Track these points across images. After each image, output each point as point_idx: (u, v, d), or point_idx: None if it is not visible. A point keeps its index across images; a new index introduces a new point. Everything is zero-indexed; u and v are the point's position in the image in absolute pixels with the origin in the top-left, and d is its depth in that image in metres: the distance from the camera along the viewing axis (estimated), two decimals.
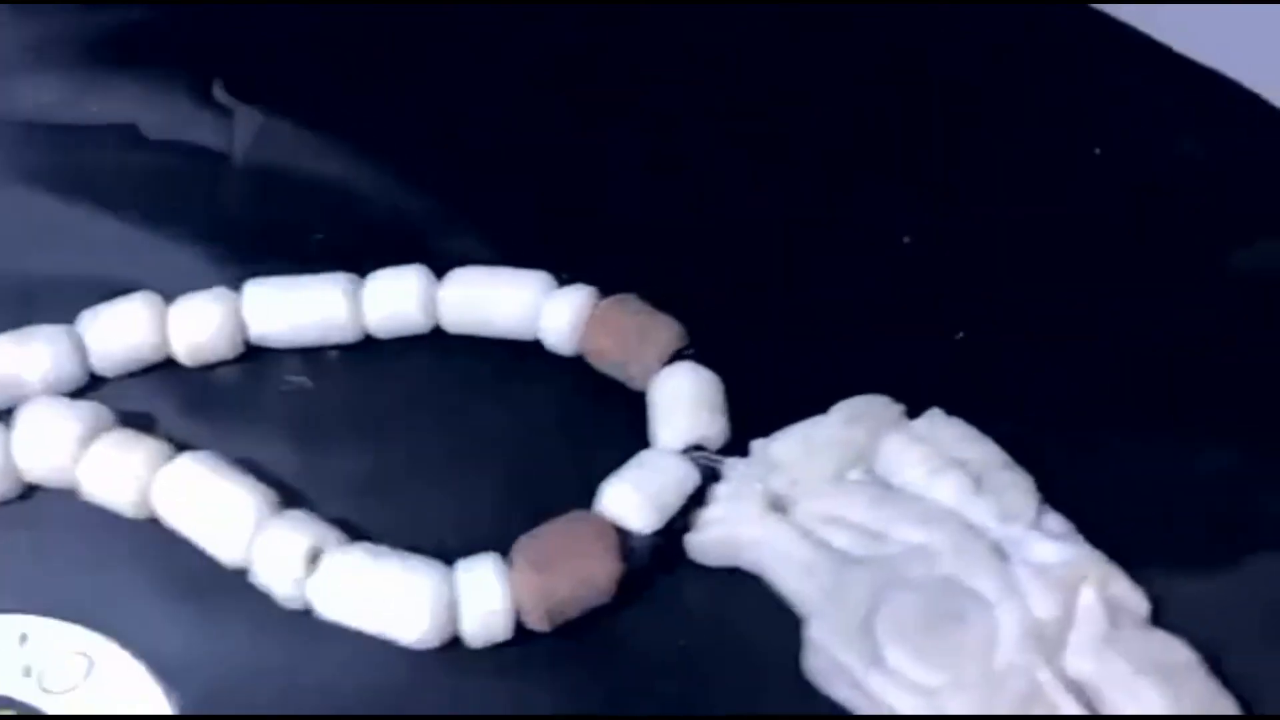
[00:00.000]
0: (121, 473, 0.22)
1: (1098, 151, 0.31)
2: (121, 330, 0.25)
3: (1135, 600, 0.21)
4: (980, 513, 0.22)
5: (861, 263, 0.28)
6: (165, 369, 0.26)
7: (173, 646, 0.21)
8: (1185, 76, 0.32)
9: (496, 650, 0.21)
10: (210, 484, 0.22)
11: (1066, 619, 0.20)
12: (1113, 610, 0.20)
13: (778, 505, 0.22)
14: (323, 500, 0.23)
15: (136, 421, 0.24)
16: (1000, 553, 0.21)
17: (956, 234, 0.29)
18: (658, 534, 0.22)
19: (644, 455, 0.23)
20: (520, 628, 0.21)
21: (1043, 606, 0.20)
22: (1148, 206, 0.29)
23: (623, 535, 0.21)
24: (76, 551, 0.23)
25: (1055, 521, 0.22)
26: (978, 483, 0.22)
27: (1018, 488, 0.22)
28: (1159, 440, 0.24)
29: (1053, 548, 0.21)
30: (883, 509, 0.21)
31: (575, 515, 0.21)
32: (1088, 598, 0.20)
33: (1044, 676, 0.19)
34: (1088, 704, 0.19)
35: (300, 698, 0.20)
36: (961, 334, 0.27)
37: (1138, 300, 0.27)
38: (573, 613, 0.21)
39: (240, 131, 0.31)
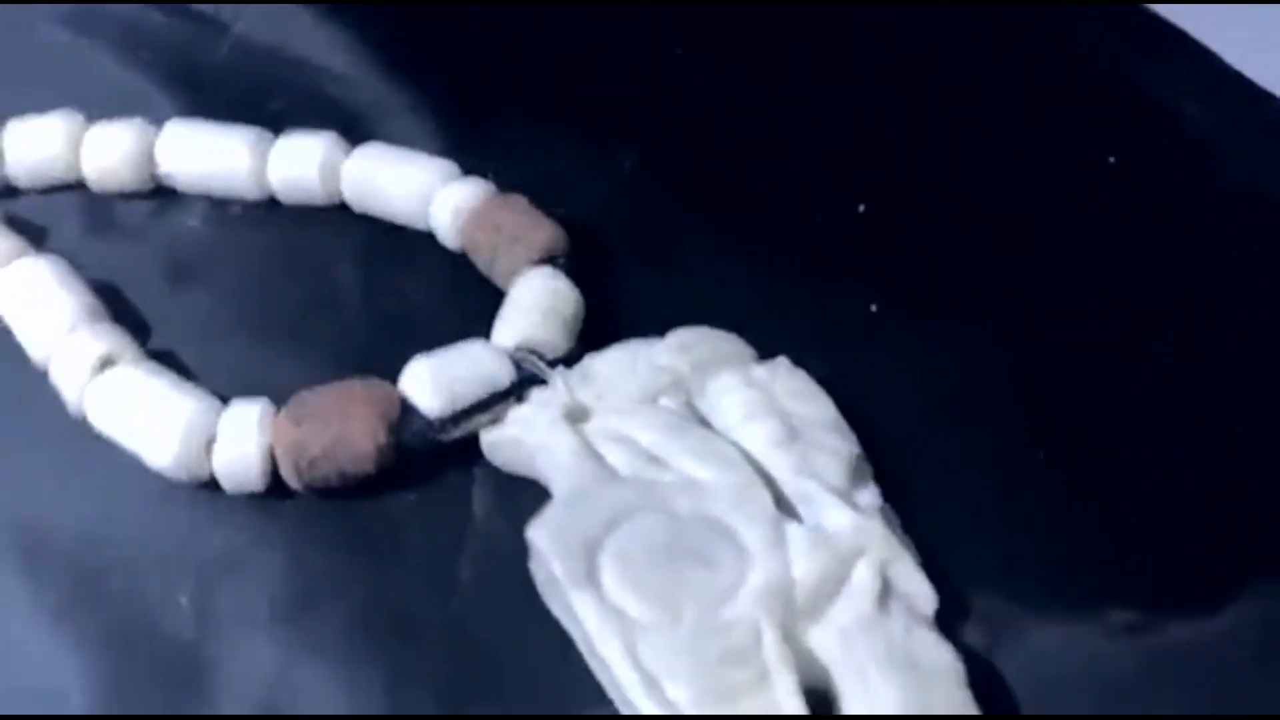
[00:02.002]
0: None
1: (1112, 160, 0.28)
2: (39, 143, 0.25)
3: (921, 592, 0.18)
4: (783, 466, 0.19)
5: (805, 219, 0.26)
6: (77, 192, 0.27)
7: None
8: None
9: (253, 501, 0.20)
10: (44, 287, 0.22)
11: (829, 590, 0.18)
12: (891, 596, 0.18)
13: (577, 417, 0.21)
14: (167, 338, 0.23)
15: (28, 230, 0.25)
16: (788, 509, 0.19)
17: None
18: (449, 422, 0.21)
19: (464, 344, 0.22)
20: (282, 487, 0.20)
21: (804, 569, 0.18)
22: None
23: (405, 411, 0.21)
24: None
25: (870, 497, 0.19)
26: (794, 436, 0.20)
27: (834, 451, 0.20)
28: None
29: (846, 516, 0.18)
30: (675, 439, 0.20)
31: (357, 380, 0.21)
32: (861, 574, 0.18)
33: (768, 639, 0.17)
34: (816, 683, 0.17)
35: (56, 511, 0.21)
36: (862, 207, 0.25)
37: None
38: (330, 475, 0.20)
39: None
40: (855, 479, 0.19)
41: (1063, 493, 0.21)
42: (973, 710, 0.17)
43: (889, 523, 0.19)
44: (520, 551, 0.19)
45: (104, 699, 0.18)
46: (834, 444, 0.20)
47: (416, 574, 0.20)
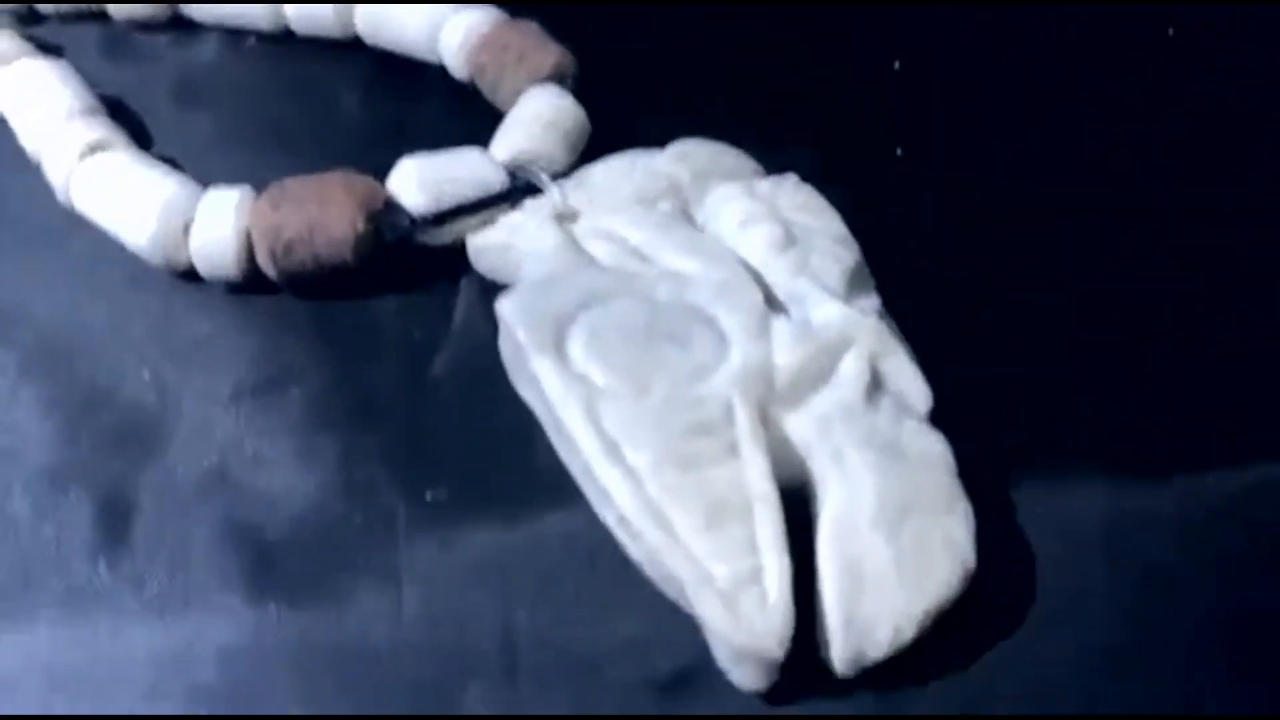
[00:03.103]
0: None
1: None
2: None
3: (915, 389, 0.17)
4: (779, 269, 0.18)
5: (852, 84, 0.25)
6: (99, 20, 0.26)
7: None
8: None
9: (229, 291, 0.20)
10: (45, 83, 0.22)
11: (811, 378, 0.17)
12: (882, 392, 0.17)
13: (567, 219, 0.20)
14: (167, 152, 0.23)
15: (46, 49, 0.25)
16: (776, 305, 0.18)
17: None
18: (433, 220, 0.20)
19: (459, 150, 0.21)
20: (260, 278, 0.20)
21: (786, 356, 0.17)
22: None
23: (388, 206, 0.20)
24: None
25: (869, 304, 0.18)
26: (793, 242, 0.19)
27: (835, 256, 0.18)
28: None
29: (836, 309, 0.17)
30: (664, 236, 0.18)
31: (340, 171, 0.20)
32: (849, 365, 0.17)
33: (741, 415, 0.16)
34: (789, 466, 0.16)
35: (31, 292, 0.20)
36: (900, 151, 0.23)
37: None
38: (306, 261, 0.19)
39: None
40: (854, 286, 0.18)
41: (1077, 348, 0.20)
42: (961, 502, 0.15)
43: (885, 323, 0.18)
44: (498, 358, 0.19)
45: (65, 455, 0.17)
46: (835, 250, 0.18)
47: (387, 368, 0.19)
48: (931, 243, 0.20)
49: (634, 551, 0.16)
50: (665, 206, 0.19)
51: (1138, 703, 0.15)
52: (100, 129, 0.21)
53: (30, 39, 0.25)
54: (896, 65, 0.26)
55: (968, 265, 0.20)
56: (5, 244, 0.21)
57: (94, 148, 0.21)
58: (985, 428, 0.17)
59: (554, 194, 0.20)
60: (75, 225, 0.21)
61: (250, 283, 0.20)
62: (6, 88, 0.22)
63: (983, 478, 0.16)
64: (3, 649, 0.16)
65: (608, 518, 0.16)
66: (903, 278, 0.19)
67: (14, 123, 0.22)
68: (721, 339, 0.17)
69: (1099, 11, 0.27)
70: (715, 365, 0.16)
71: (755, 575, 0.14)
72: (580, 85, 0.23)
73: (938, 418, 0.17)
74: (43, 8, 0.26)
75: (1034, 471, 0.17)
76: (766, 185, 0.20)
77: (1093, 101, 0.24)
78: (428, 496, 0.17)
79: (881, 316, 0.18)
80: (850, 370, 0.16)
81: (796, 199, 0.19)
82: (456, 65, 0.24)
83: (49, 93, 0.22)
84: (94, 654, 0.15)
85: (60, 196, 0.21)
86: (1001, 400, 0.18)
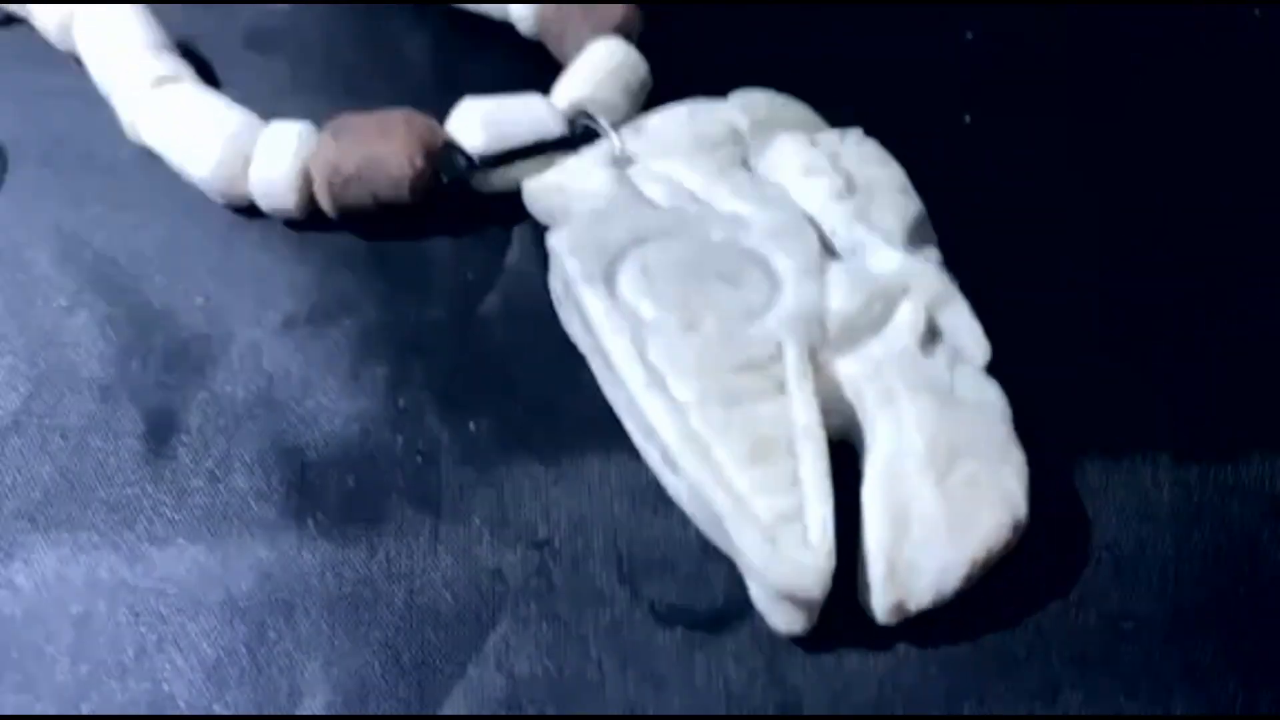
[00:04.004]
0: (58, 6, 0.23)
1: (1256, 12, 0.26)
2: None
3: (973, 339, 0.16)
4: (838, 217, 0.18)
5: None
6: None
7: None
8: None
9: (288, 226, 0.20)
10: (118, 20, 0.22)
11: (865, 323, 0.16)
12: (938, 341, 0.16)
13: (624, 164, 0.19)
14: (235, 95, 0.23)
15: None
16: (831, 251, 0.17)
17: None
18: (490, 160, 0.20)
19: (520, 95, 0.21)
20: (319, 215, 0.20)
21: (842, 299, 0.16)
22: None
23: (447, 145, 0.20)
24: None
25: (929, 254, 0.18)
26: (853, 191, 0.18)
27: (895, 206, 0.18)
28: None
29: (895, 257, 0.17)
30: (721, 180, 0.18)
31: (402, 109, 0.20)
32: (905, 312, 0.16)
33: (790, 354, 0.15)
34: (838, 413, 0.15)
35: (92, 221, 0.20)
36: (968, 118, 0.23)
37: None
38: (363, 196, 0.19)
39: None
40: (914, 236, 0.18)
41: (1145, 315, 0.19)
42: (1016, 450, 0.15)
43: (944, 275, 0.17)
44: (548, 301, 0.19)
45: (117, 371, 0.18)
46: (897, 201, 0.18)
47: (438, 304, 0.19)
48: (996, 206, 0.20)
49: (675, 487, 0.15)
50: (724, 153, 0.19)
51: (1179, 671, 0.15)
52: (169, 64, 0.21)
53: None
54: (969, 35, 0.25)
55: (1031, 229, 0.20)
56: (74, 174, 0.22)
57: (162, 80, 0.21)
58: (1046, 385, 0.16)
59: (612, 139, 0.20)
60: (142, 159, 0.21)
61: (308, 218, 0.20)
62: (83, 26, 0.23)
63: (1040, 432, 0.16)
64: (49, 553, 0.16)
65: (650, 453, 0.16)
66: (965, 236, 0.18)
67: (87, 59, 0.22)
68: (774, 280, 0.16)
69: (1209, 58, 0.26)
70: (767, 306, 0.16)
71: (797, 512, 0.14)
72: (645, 40, 0.23)
73: (996, 372, 0.16)
74: None
75: (1094, 431, 0.16)
76: (830, 136, 0.19)
77: (1168, 81, 0.24)
78: (471, 427, 0.17)
79: (941, 267, 0.17)
80: (906, 317, 0.16)
81: (860, 151, 0.19)
82: (524, 20, 0.24)
83: (122, 30, 0.22)
84: (135, 562, 0.16)
85: (128, 130, 0.21)
86: (1063, 359, 0.17)
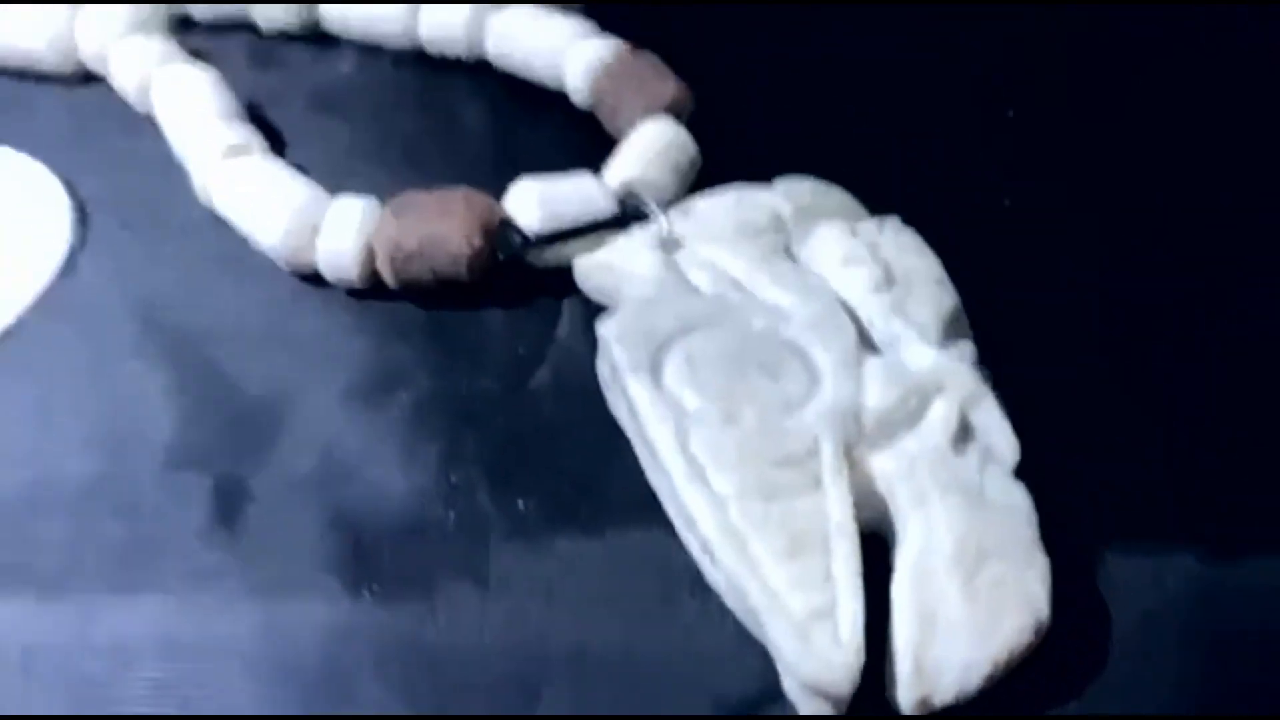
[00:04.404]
0: (138, 66, 0.24)
1: None
2: None
3: (1003, 440, 0.17)
4: (876, 308, 0.18)
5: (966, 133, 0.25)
6: (247, 30, 0.28)
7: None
8: None
9: (350, 295, 0.21)
10: (193, 86, 0.24)
11: (900, 419, 0.17)
12: (969, 440, 0.17)
13: (670, 247, 0.20)
14: (299, 157, 0.24)
15: (200, 56, 0.27)
16: (870, 345, 0.18)
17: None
18: (544, 239, 0.21)
19: (573, 174, 0.22)
20: (379, 284, 0.21)
21: (876, 395, 0.17)
22: None
23: (503, 223, 0.21)
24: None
25: (964, 350, 0.18)
26: (892, 283, 0.19)
27: (932, 300, 0.19)
28: None
29: (929, 353, 0.18)
30: (763, 269, 0.19)
31: (461, 188, 0.21)
32: (938, 410, 0.17)
33: (827, 450, 0.16)
34: (871, 507, 0.16)
35: (170, 283, 0.22)
36: (1008, 201, 0.23)
37: None
38: (423, 272, 0.20)
39: None
40: (950, 331, 0.18)
41: (1175, 417, 0.19)
42: (1040, 555, 0.15)
43: (979, 373, 0.18)
44: (595, 376, 0.19)
45: (182, 437, 0.19)
46: (933, 294, 0.19)
47: (490, 375, 0.20)
48: (1032, 296, 0.21)
49: (713, 576, 0.16)
50: (767, 240, 0.20)
51: None
52: (241, 133, 0.22)
53: (183, 45, 0.27)
54: (1010, 113, 0.26)
55: (1067, 322, 0.20)
56: (150, 235, 0.23)
57: (235, 151, 0.22)
58: (1071, 486, 0.17)
59: (660, 221, 0.21)
60: (213, 222, 0.22)
61: (369, 287, 0.21)
62: (160, 90, 0.24)
63: (1064, 535, 0.16)
64: (120, 615, 0.17)
65: (690, 540, 0.16)
66: (1000, 328, 0.19)
67: (164, 124, 0.24)
68: (813, 373, 0.17)
69: (1226, 65, 0.26)
70: (805, 399, 0.17)
71: (829, 609, 0.15)
72: (695, 119, 0.24)
73: (1024, 471, 0.17)
74: (196, 13, 0.28)
75: (1118, 534, 0.17)
76: (870, 226, 0.20)
77: (1221, 158, 0.24)
78: (519, 505, 0.18)
79: (975, 365, 0.18)
80: (939, 415, 0.17)
81: (899, 241, 0.20)
82: (578, 92, 0.25)
83: (197, 97, 0.23)
84: (201, 627, 0.16)
85: (200, 195, 0.22)
86: (1091, 460, 0.18)
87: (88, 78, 0.26)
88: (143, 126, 0.25)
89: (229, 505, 0.18)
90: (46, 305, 0.21)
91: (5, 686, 0.16)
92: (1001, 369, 0.18)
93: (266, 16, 0.27)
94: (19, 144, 0.25)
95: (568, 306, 0.21)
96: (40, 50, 0.25)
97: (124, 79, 0.25)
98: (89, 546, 0.17)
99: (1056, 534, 0.16)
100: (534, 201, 0.21)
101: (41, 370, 0.20)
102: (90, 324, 0.21)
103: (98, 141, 0.25)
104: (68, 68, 0.26)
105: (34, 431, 0.19)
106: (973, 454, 0.16)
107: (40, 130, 0.25)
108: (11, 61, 0.26)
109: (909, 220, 0.21)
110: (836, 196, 0.21)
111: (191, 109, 0.23)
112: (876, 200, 0.21)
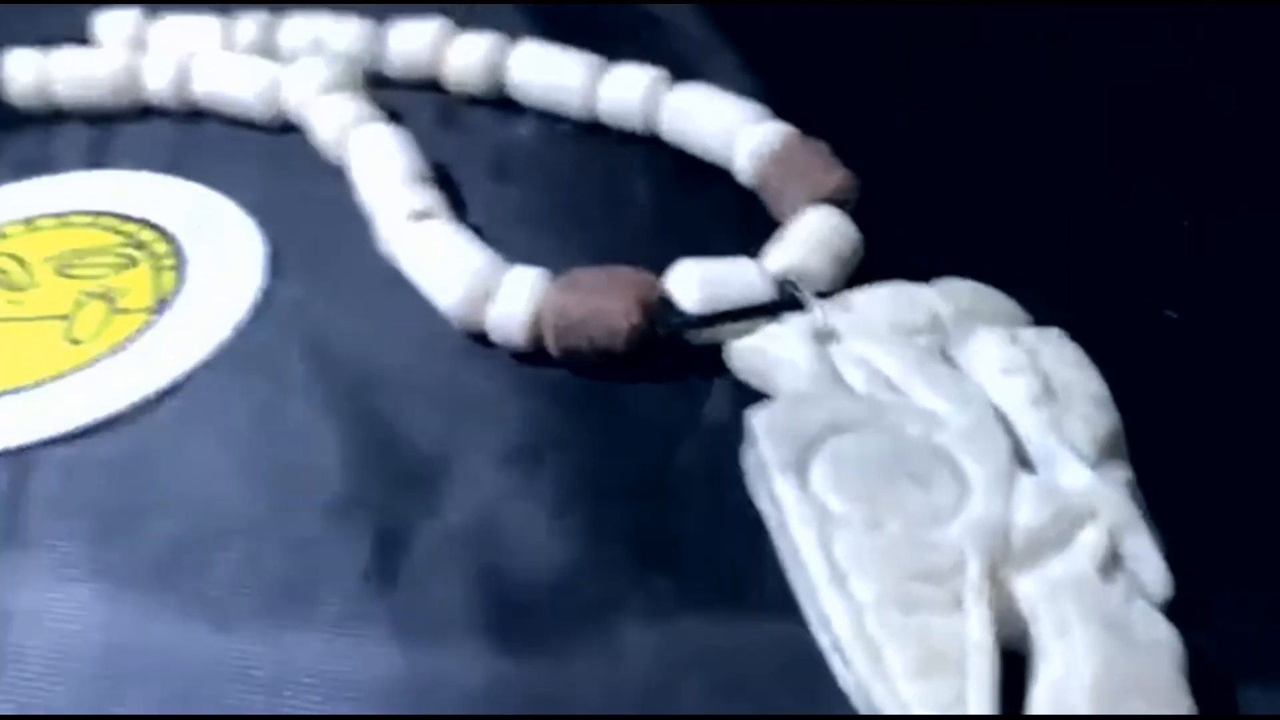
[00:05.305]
0: (335, 122, 0.26)
1: None
2: (412, 42, 0.29)
3: (1156, 574, 0.16)
4: (1032, 424, 0.18)
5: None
6: (434, 90, 0.30)
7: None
8: None
9: (513, 357, 0.22)
10: (386, 148, 0.25)
11: (1049, 541, 0.17)
12: (1119, 569, 0.16)
13: (825, 339, 0.20)
14: (476, 217, 0.25)
15: (388, 112, 0.28)
16: (1024, 459, 0.18)
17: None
18: (701, 321, 0.21)
19: (733, 259, 0.22)
20: (541, 350, 0.22)
21: (1026, 514, 0.17)
22: None
23: (663, 302, 0.21)
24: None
25: (1120, 473, 0.18)
26: (1051, 398, 0.19)
27: (1091, 419, 0.18)
28: None
29: (1084, 475, 0.17)
30: (919, 371, 0.19)
31: (626, 267, 0.22)
32: (1089, 536, 0.17)
33: (972, 568, 0.16)
34: (1011, 626, 0.16)
35: (349, 331, 0.23)
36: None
37: None
38: (583, 343, 0.21)
39: None
40: (1107, 452, 0.18)
41: None
42: (1184, 698, 0.15)
43: (1133, 499, 0.17)
44: (740, 457, 0.20)
45: (356, 487, 0.20)
46: (1091, 413, 0.18)
47: (638, 448, 0.20)
48: (1197, 419, 0.20)
49: (845, 677, 0.16)
50: (924, 341, 0.20)
51: None
52: (426, 197, 0.24)
53: (375, 98, 0.28)
54: (1186, 224, 0.25)
55: (1233, 451, 0.20)
56: (333, 283, 0.24)
57: (419, 215, 0.23)
58: (1224, 629, 0.16)
59: (816, 312, 0.21)
60: (392, 275, 0.24)
61: (533, 352, 0.22)
62: (354, 148, 0.25)
63: (1212, 680, 0.16)
64: (279, 646, 0.18)
65: (824, 639, 0.17)
66: (1161, 453, 0.19)
67: (355, 180, 0.25)
68: (963, 486, 0.17)
69: None
70: (953, 512, 0.17)
71: None
72: (859, 209, 0.24)
73: (1174, 608, 0.17)
74: (390, 71, 0.29)
75: (1271, 685, 0.16)
76: (1030, 335, 0.20)
77: None
78: (657, 583, 0.18)
79: (1131, 490, 0.18)
80: (1089, 541, 0.16)
81: (1060, 353, 0.20)
82: (745, 172, 0.26)
83: (387, 158, 0.25)
84: (353, 668, 0.17)
85: (384, 249, 0.24)
86: (1247, 603, 0.17)
87: (288, 127, 0.28)
88: (336, 176, 0.27)
89: (386, 553, 0.19)
90: (233, 345, 0.23)
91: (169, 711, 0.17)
92: (1158, 497, 0.18)
93: (456, 81, 0.28)
94: (222, 186, 0.27)
95: (718, 386, 0.22)
96: (248, 100, 0.28)
97: (322, 132, 0.27)
98: (254, 582, 0.19)
99: (1204, 678, 0.16)
100: (694, 283, 0.21)
101: (221, 408, 0.22)
102: (269, 364, 0.23)
103: (293, 188, 0.27)
104: (271, 118, 0.28)
105: (210, 469, 0.20)
106: (1121, 584, 0.16)
107: (241, 175, 0.27)
108: (221, 109, 0.28)
109: (1071, 331, 0.20)
110: (997, 300, 0.21)
111: (382, 169, 0.24)
112: (1039, 307, 0.21)
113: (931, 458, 0.18)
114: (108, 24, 0.30)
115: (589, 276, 0.22)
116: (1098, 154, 0.26)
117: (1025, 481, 0.17)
